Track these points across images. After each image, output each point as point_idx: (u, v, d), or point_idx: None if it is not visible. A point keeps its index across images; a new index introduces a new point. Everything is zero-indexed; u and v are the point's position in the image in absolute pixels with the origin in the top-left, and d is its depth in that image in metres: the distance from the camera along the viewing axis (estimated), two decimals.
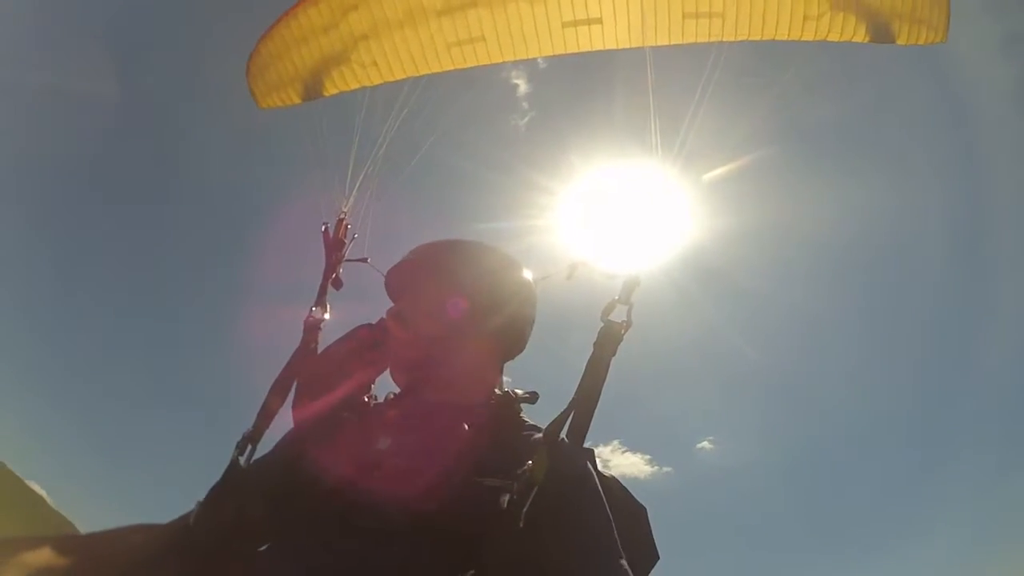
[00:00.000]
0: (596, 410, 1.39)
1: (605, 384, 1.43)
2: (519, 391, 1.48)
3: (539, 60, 2.05)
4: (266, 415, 1.62)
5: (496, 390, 1.49)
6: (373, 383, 1.57)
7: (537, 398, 1.50)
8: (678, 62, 1.93)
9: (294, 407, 1.57)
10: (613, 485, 1.34)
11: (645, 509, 1.37)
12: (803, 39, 2.03)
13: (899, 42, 2.26)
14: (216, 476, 1.50)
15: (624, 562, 1.21)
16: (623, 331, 1.47)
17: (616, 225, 1.74)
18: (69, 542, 1.41)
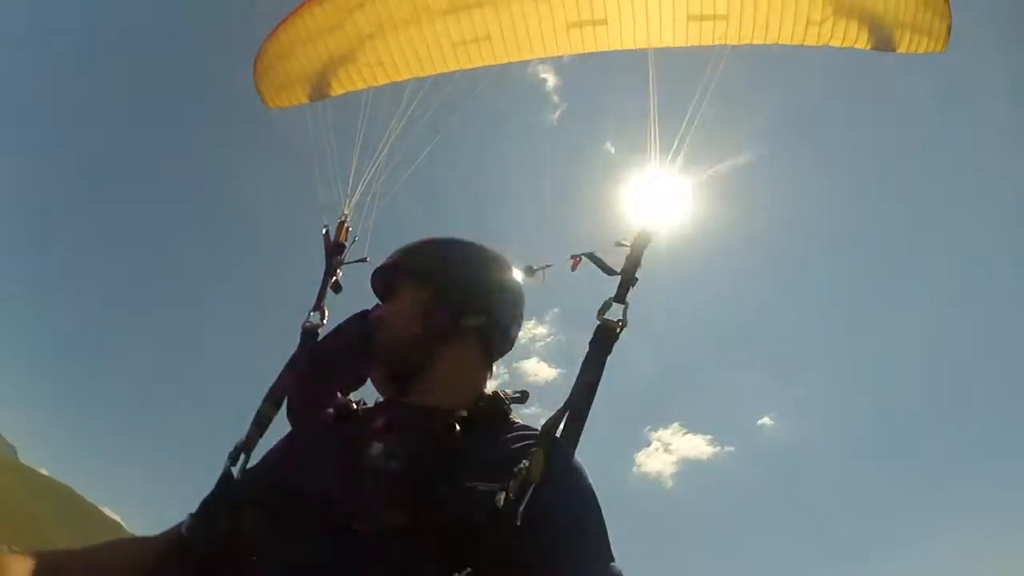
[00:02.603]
0: (591, 410, 1.37)
1: (600, 383, 1.41)
2: (509, 391, 1.48)
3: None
4: (260, 424, 1.60)
5: (485, 390, 1.48)
6: (362, 384, 1.56)
7: (527, 397, 1.50)
8: (683, 61, 1.95)
9: (288, 412, 1.57)
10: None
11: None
12: (806, 44, 2.05)
13: (899, 51, 2.28)
14: (208, 487, 1.50)
15: (615, 565, 1.22)
16: (618, 330, 1.46)
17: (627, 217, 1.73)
18: (59, 556, 1.38)
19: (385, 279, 1.58)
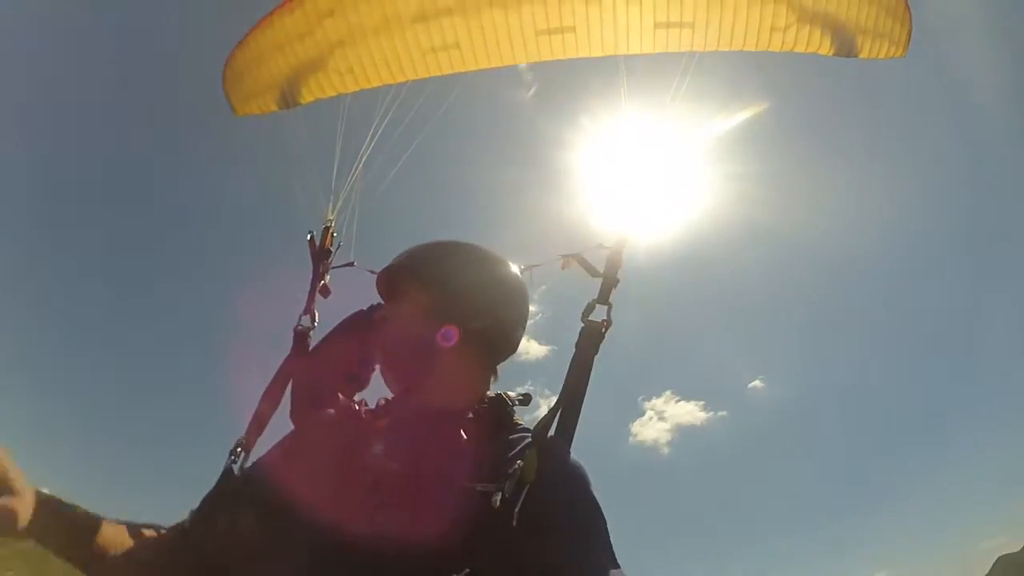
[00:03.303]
0: (582, 409, 1.39)
1: (589, 383, 1.43)
2: (511, 393, 1.49)
3: None
4: (258, 422, 1.62)
5: (488, 393, 1.49)
6: (366, 385, 1.57)
7: (530, 400, 1.52)
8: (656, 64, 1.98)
9: (291, 412, 1.58)
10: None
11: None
12: (770, 50, 2.09)
13: (861, 56, 2.33)
14: (209, 484, 1.50)
15: (619, 566, 1.22)
16: (604, 330, 1.49)
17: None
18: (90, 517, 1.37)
19: (390, 281, 1.59)
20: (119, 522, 1.40)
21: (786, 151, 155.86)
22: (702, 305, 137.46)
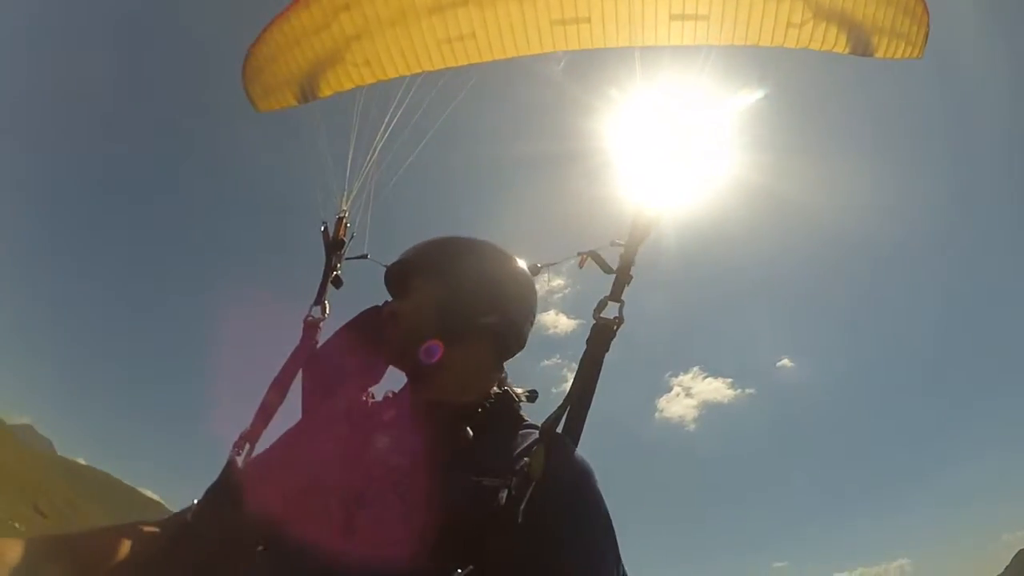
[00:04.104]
0: (591, 407, 1.39)
1: (599, 381, 1.43)
2: (519, 390, 1.49)
3: None
4: (264, 414, 1.62)
5: (496, 388, 1.48)
6: (378, 380, 1.56)
7: (536, 396, 1.52)
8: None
9: (302, 404, 1.57)
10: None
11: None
12: (785, 46, 2.08)
13: (877, 55, 2.32)
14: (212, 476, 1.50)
15: (612, 564, 1.22)
16: (615, 327, 1.48)
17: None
18: (72, 538, 1.35)
19: (400, 276, 1.59)
20: (104, 530, 1.38)
21: (828, 124, 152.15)
22: (733, 283, 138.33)
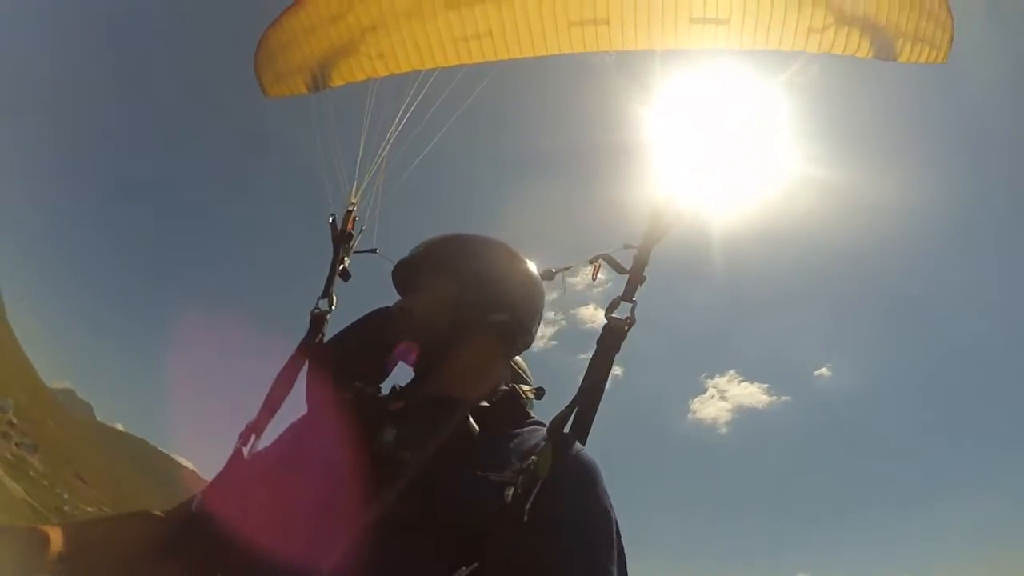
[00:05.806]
0: (599, 406, 1.39)
1: (608, 381, 1.42)
2: (526, 387, 1.49)
3: None
4: (270, 405, 1.63)
5: (503, 385, 1.49)
6: (386, 376, 1.56)
7: (543, 394, 1.53)
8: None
9: (306, 396, 1.58)
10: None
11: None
12: (807, 51, 2.04)
13: (900, 60, 2.28)
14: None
15: (614, 568, 1.21)
16: (627, 328, 1.48)
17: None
18: (77, 529, 1.37)
19: (410, 272, 1.60)
20: (104, 519, 1.41)
21: (882, 128, 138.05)
22: (774, 288, 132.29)
